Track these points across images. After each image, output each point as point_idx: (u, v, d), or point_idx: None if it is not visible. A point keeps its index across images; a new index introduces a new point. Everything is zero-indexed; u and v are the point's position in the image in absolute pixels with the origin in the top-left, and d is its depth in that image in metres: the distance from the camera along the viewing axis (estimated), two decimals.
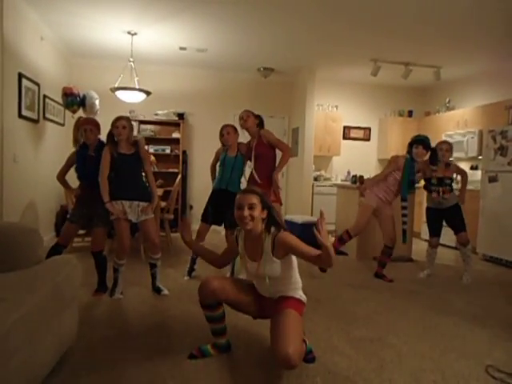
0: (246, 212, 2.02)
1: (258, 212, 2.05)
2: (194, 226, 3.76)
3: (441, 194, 3.88)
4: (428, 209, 4.11)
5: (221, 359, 2.17)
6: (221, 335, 2.21)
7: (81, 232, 4.86)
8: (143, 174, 3.23)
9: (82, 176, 3.23)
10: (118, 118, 3.11)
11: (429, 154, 3.82)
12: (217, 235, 5.01)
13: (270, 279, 2.09)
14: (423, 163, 3.97)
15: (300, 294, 2.16)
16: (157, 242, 3.21)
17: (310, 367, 2.12)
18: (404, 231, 3.88)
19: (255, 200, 2.05)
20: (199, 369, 2.06)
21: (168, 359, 2.15)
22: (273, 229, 2.08)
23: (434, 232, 4.05)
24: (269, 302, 2.17)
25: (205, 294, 2.09)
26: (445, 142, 4.04)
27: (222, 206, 3.57)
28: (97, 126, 3.25)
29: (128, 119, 3.17)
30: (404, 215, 3.87)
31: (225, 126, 3.68)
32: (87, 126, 3.19)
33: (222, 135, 3.66)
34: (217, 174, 3.76)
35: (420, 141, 3.77)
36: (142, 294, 3.25)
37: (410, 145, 3.82)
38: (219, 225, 3.73)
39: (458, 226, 3.92)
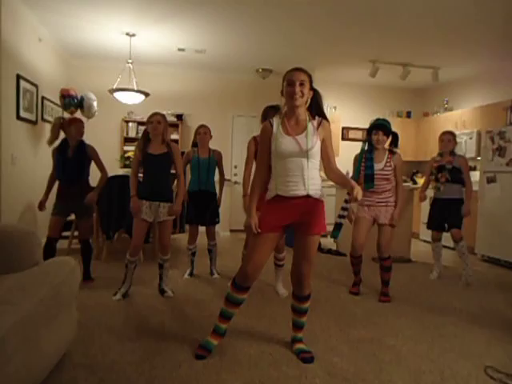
0: (298, 88, 2.07)
1: (307, 90, 2.10)
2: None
3: (440, 179, 3.82)
4: (433, 200, 4.01)
5: (220, 360, 2.17)
6: (228, 320, 2.28)
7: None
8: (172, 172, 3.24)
9: (61, 176, 3.40)
10: (154, 114, 3.14)
11: (390, 139, 3.34)
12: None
13: (310, 156, 2.09)
14: (431, 161, 3.96)
15: (323, 195, 2.21)
16: (167, 243, 3.23)
17: (309, 368, 2.12)
18: (338, 225, 3.43)
19: (305, 77, 2.11)
20: (198, 370, 2.06)
21: (167, 361, 2.15)
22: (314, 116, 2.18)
23: (434, 224, 3.98)
24: (297, 214, 2.14)
25: (249, 277, 2.18)
26: (446, 132, 3.95)
27: (201, 207, 3.74)
28: (84, 124, 3.50)
29: (163, 116, 3.17)
30: (344, 208, 3.42)
31: (202, 126, 3.76)
32: (81, 124, 3.45)
33: (198, 134, 3.72)
34: (190, 176, 3.82)
35: (380, 126, 3.27)
36: (141, 296, 3.24)
37: (369, 131, 3.34)
38: (202, 224, 3.80)
39: (453, 221, 3.84)
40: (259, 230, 2.16)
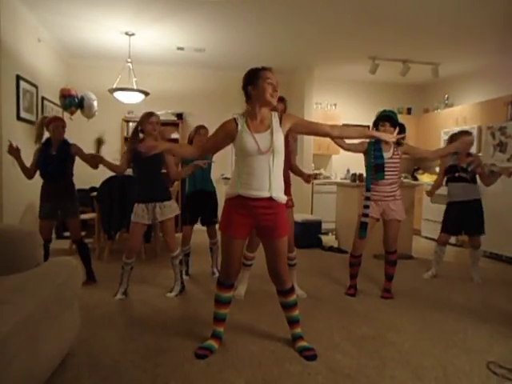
0: (277, 92, 2.15)
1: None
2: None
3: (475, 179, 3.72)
4: (450, 204, 3.86)
5: (223, 358, 2.18)
6: (222, 322, 2.33)
7: None
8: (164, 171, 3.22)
9: (43, 174, 3.38)
10: (151, 114, 3.12)
11: (397, 130, 3.28)
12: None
13: (275, 154, 2.12)
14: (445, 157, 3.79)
15: (286, 198, 2.25)
16: (171, 240, 3.19)
17: (312, 365, 2.12)
18: (363, 224, 3.25)
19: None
20: (201, 369, 2.07)
21: (170, 359, 2.16)
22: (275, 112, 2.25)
23: (453, 229, 3.85)
24: (263, 219, 2.17)
25: (232, 275, 2.29)
26: (467, 132, 3.79)
27: (199, 207, 3.73)
28: (65, 124, 3.50)
29: (159, 117, 3.18)
30: (366, 206, 3.24)
31: (202, 127, 3.73)
32: (60, 122, 3.42)
33: (199, 134, 3.69)
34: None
35: (386, 117, 3.21)
36: (143, 294, 3.25)
37: (376, 123, 3.28)
38: (201, 223, 3.81)
39: (476, 226, 3.74)
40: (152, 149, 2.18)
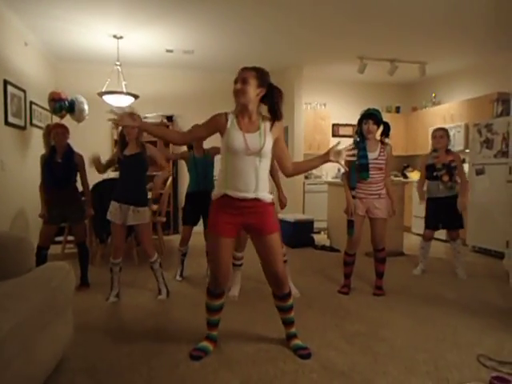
0: (239, 86, 2.09)
1: (252, 87, 2.09)
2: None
3: (453, 178, 3.77)
4: (429, 199, 3.95)
5: (217, 359, 2.19)
6: (215, 326, 2.34)
7: (71, 238, 4.82)
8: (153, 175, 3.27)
9: (49, 181, 3.40)
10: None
11: (381, 129, 3.31)
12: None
13: (262, 156, 2.10)
14: (427, 157, 3.93)
15: (271, 198, 2.22)
16: (146, 247, 3.19)
17: (306, 363, 2.14)
18: (349, 223, 3.30)
19: (250, 75, 2.09)
20: (196, 371, 2.07)
21: (164, 362, 2.16)
22: (267, 117, 2.19)
23: (432, 224, 3.94)
24: (251, 218, 2.16)
25: (221, 282, 2.24)
26: (438, 129, 3.94)
27: (200, 208, 3.68)
28: (67, 130, 3.49)
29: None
30: None
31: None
32: (59, 129, 3.43)
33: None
34: (188, 178, 3.80)
35: (369, 115, 3.24)
36: (136, 297, 3.24)
37: (359, 121, 3.30)
38: (196, 224, 3.79)
39: (455, 221, 3.82)
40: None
